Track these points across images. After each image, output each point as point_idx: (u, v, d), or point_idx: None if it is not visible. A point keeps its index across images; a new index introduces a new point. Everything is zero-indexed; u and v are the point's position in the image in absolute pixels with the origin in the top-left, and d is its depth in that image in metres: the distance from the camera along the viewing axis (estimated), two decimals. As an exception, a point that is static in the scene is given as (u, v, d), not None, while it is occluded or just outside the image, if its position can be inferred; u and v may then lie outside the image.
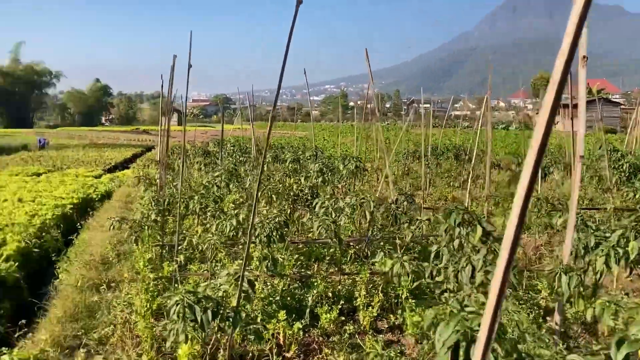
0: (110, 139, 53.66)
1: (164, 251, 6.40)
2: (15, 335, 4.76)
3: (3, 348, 4.05)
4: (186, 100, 5.55)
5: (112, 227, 6.36)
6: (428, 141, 15.38)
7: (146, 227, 6.44)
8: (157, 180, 10.00)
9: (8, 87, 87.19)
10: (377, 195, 7.25)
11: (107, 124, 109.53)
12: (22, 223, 11.11)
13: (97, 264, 6.48)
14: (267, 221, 4.88)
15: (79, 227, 11.56)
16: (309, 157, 8.76)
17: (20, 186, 16.43)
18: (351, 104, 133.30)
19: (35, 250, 9.99)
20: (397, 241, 5.92)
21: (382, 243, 6.45)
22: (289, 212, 6.58)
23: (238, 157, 12.06)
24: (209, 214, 5.62)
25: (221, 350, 4.41)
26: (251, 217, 3.22)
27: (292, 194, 6.59)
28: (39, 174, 21.30)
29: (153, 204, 7.80)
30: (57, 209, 13.06)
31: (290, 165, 8.56)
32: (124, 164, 29.30)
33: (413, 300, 5.73)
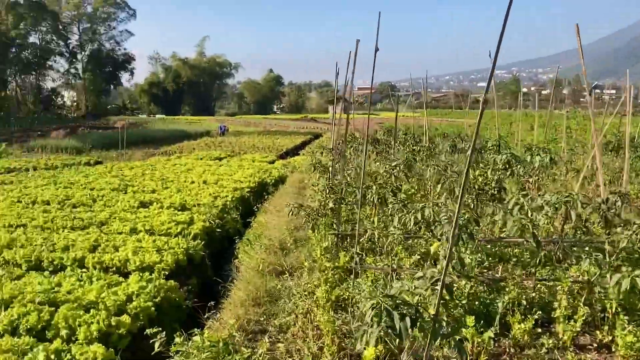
0: (281, 126, 56.71)
1: (339, 240, 6.25)
2: (205, 316, 4.90)
3: (195, 329, 4.15)
4: (372, 85, 5.27)
5: (290, 213, 6.38)
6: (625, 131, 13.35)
7: (323, 216, 6.35)
8: (330, 168, 9.99)
9: (194, 79, 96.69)
10: (575, 191, 6.32)
11: (278, 112, 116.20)
12: (207, 204, 11.97)
13: (276, 249, 6.57)
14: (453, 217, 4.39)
15: (256, 209, 12.12)
16: (490, 147, 8.01)
17: (205, 169, 17.89)
18: (524, 90, 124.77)
19: (218, 230, 10.67)
20: (607, 247, 5.04)
21: (587, 248, 5.58)
22: (471, 206, 6.01)
23: (411, 145, 11.60)
24: (390, 205, 5.29)
25: (404, 354, 4.07)
26: (456, 211, 2.77)
27: (476, 187, 5.99)
28: (220, 159, 23.11)
29: (328, 191, 7.72)
30: (236, 191, 13.90)
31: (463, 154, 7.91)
32: (295, 151, 30.59)
33: (625, 317, 4.84)
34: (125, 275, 7.61)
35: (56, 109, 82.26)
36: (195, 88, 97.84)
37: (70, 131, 48.50)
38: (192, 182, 15.17)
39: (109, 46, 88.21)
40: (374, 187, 5.87)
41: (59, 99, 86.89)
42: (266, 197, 13.41)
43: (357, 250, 5.35)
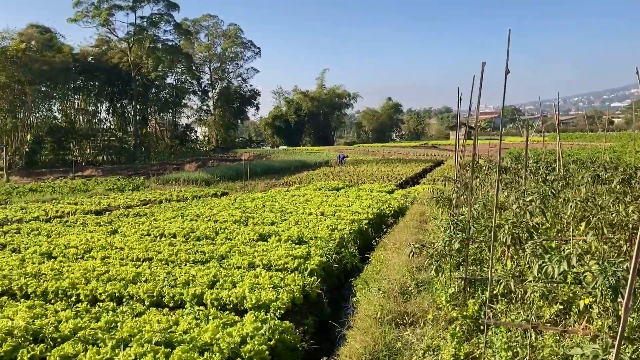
0: (400, 154, 55.97)
1: (467, 284, 5.55)
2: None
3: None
4: (502, 111, 4.63)
5: (412, 254, 5.81)
6: None
7: (448, 257, 5.70)
8: (454, 201, 9.25)
9: (314, 110, 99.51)
10: None
11: (397, 139, 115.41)
12: (324, 237, 11.71)
13: (395, 293, 6.02)
14: (613, 266, 3.56)
15: (374, 244, 11.63)
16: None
17: (323, 200, 17.82)
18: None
19: (335, 265, 10.32)
20: None
21: None
22: (623, 249, 5.01)
23: (544, 174, 10.44)
24: (528, 250, 4.51)
25: None
26: (630, 276, 2.08)
27: (630, 226, 5.00)
28: (338, 189, 23.05)
29: (453, 227, 7.03)
30: (353, 224, 13.55)
31: (619, 186, 6.74)
32: (415, 179, 29.76)
33: None
34: (242, 312, 7.48)
35: (190, 144, 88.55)
36: (315, 119, 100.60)
37: (201, 164, 51.88)
38: (310, 214, 15.09)
39: (237, 83, 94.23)
40: (507, 226, 5.12)
41: (193, 134, 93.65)
42: (385, 229, 12.89)
43: (488, 300, 4.63)
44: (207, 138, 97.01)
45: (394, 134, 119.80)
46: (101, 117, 77.20)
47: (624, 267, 3.39)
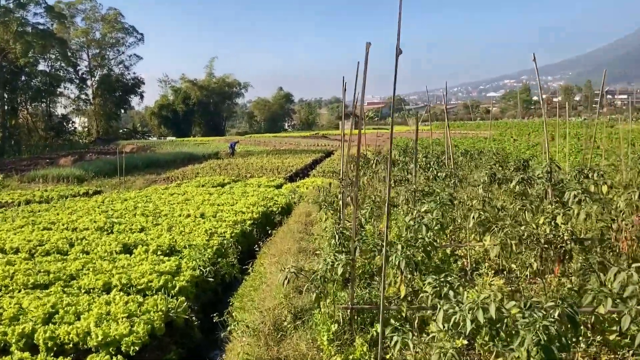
0: (291, 144, 55.23)
1: (353, 314, 4.59)
2: None
3: None
4: (394, 99, 3.72)
5: (286, 282, 4.72)
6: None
7: (331, 282, 4.69)
8: (340, 202, 8.33)
9: (204, 99, 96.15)
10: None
11: (289, 129, 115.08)
12: (200, 245, 10.36)
13: (268, 331, 4.90)
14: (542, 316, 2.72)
15: (257, 249, 10.49)
16: (541, 175, 6.29)
17: (205, 199, 16.32)
18: (535, 98, 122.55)
19: (210, 279, 9.03)
20: None
21: None
22: (534, 268, 4.31)
23: (435, 171, 9.83)
24: (429, 288, 3.58)
25: None
26: None
27: (542, 240, 4.30)
28: (223, 185, 21.56)
29: (337, 238, 6.06)
30: (236, 226, 12.31)
31: (518, 187, 6.14)
32: (305, 171, 28.98)
33: None
34: (85, 353, 6.02)
35: (67, 135, 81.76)
36: (205, 109, 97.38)
37: (78, 158, 47.61)
38: (188, 216, 13.60)
39: (118, 71, 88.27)
40: (399, 245, 4.22)
41: (70, 124, 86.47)
42: (270, 231, 11.77)
43: (381, 338, 3.66)
44: (86, 129, 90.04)
45: (286, 124, 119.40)
46: (-38, 107, 68.70)
47: (556, 315, 2.53)
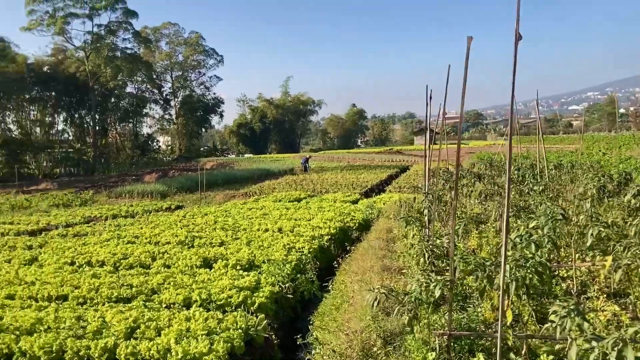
0: (365, 160, 54.82)
1: (451, 342, 4.11)
2: None
3: None
4: (513, 90, 3.37)
5: (376, 303, 4.32)
6: None
7: (425, 305, 4.23)
8: (425, 217, 7.83)
9: (279, 117, 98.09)
10: None
11: (362, 145, 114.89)
12: (278, 260, 10.15)
13: (358, 356, 4.51)
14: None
15: (336, 265, 10.14)
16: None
17: (282, 213, 16.24)
18: (622, 110, 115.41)
19: (289, 295, 8.77)
20: None
21: None
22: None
23: (530, 184, 9.10)
24: (555, 316, 3.07)
25: None
26: None
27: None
28: (299, 200, 21.49)
29: (428, 256, 5.60)
30: (313, 241, 12.04)
31: (633, 201, 5.41)
32: (380, 186, 28.46)
33: None
34: (165, 370, 5.87)
35: (152, 153, 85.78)
36: (280, 126, 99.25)
37: (162, 174, 49.68)
38: (266, 231, 13.50)
39: (200, 92, 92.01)
40: (509, 267, 3.72)
41: (155, 143, 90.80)
42: (348, 247, 11.39)
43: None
44: (170, 147, 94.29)
45: (359, 140, 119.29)
46: (59, 128, 73.95)
47: None
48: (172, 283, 8.70)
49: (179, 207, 23.85)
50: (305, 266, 10.30)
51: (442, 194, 10.13)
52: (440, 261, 5.77)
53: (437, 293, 3.99)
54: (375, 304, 4.35)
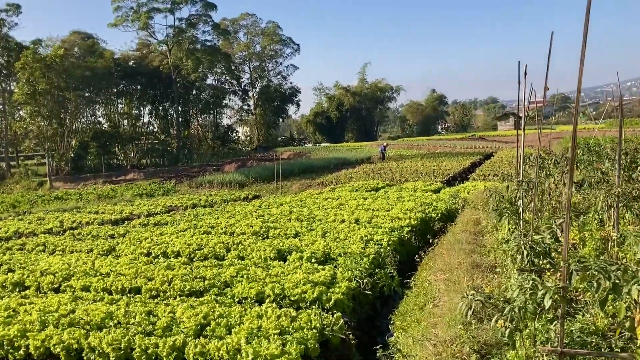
0: (446, 147, 52.98)
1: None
2: None
3: None
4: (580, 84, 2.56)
5: (470, 312, 3.64)
6: None
7: (531, 315, 3.50)
8: (519, 208, 6.95)
9: (356, 105, 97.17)
10: None
11: (442, 132, 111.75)
12: (355, 253, 9.59)
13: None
14: None
15: (418, 260, 9.45)
16: None
17: (359, 204, 15.65)
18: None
19: (367, 292, 8.19)
20: None
21: None
22: None
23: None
24: None
25: None
26: None
27: None
28: (377, 189, 20.81)
29: (527, 254, 4.84)
30: (393, 233, 11.37)
31: None
32: (464, 174, 27.14)
33: None
34: (235, 373, 5.50)
35: (232, 144, 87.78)
36: (357, 114, 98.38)
37: (241, 164, 50.61)
38: (342, 222, 12.98)
39: (277, 81, 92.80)
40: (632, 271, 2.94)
41: (234, 134, 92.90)
42: (431, 240, 10.63)
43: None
44: (248, 138, 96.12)
45: (439, 127, 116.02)
46: (144, 120, 77.44)
47: None
48: (245, 276, 8.38)
49: (256, 197, 23.91)
50: (384, 260, 9.68)
51: (538, 181, 9.11)
52: (540, 259, 4.97)
53: (548, 303, 3.26)
54: (470, 312, 3.68)
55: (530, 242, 5.00)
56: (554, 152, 18.25)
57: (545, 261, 5.07)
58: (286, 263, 9.25)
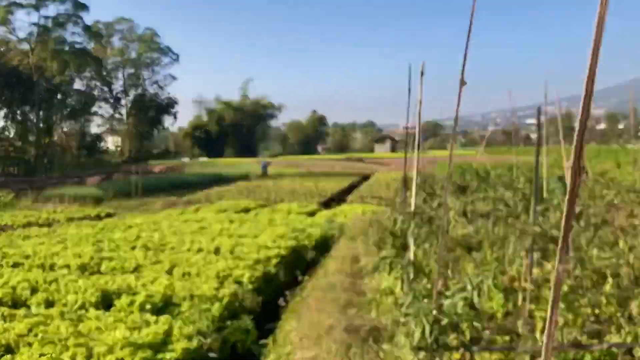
0: (325, 167, 52.54)
1: None
2: None
3: None
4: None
5: None
6: None
7: None
8: (408, 247, 5.40)
9: (238, 121, 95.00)
10: None
11: (323, 152, 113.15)
12: (206, 296, 7.53)
13: None
14: None
15: (283, 305, 7.61)
16: None
17: (224, 228, 13.54)
18: (575, 124, 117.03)
19: (212, 354, 6.15)
20: None
21: None
22: None
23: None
24: None
25: None
26: None
27: None
28: (247, 210, 18.80)
29: (429, 337, 3.20)
30: (257, 265, 9.45)
31: None
32: (341, 196, 26.09)
33: None
34: None
35: (100, 155, 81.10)
36: (238, 130, 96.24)
37: (106, 176, 46.28)
38: (199, 251, 10.81)
39: (153, 91, 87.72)
40: None
41: (103, 144, 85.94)
42: (300, 277, 8.86)
43: None
44: (119, 148, 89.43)
45: (320, 147, 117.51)
46: (-2, 125, 68.46)
47: None
48: (39, 335, 5.95)
49: (109, 215, 20.80)
50: (242, 303, 7.73)
51: (421, 210, 7.78)
52: (446, 335, 3.38)
53: None
54: None
55: (434, 310, 3.37)
56: (434, 176, 17.59)
57: (453, 337, 3.49)
58: (108, 312, 6.92)
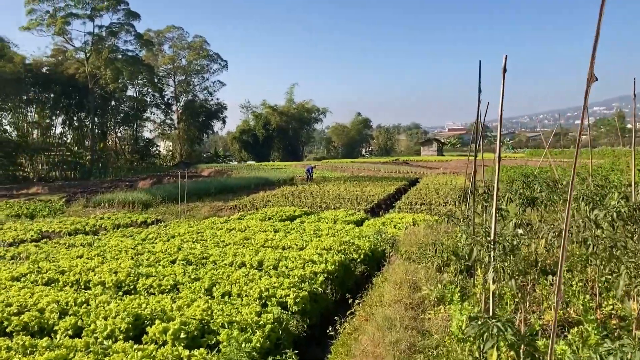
0: (370, 170, 51.40)
1: None
2: None
3: None
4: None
5: None
6: None
7: None
8: (489, 277, 4.47)
9: (283, 125, 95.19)
10: None
11: (367, 155, 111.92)
12: (246, 321, 6.78)
13: None
14: None
15: (334, 331, 6.77)
16: None
17: (268, 238, 12.84)
18: (629, 126, 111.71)
19: (251, 398, 5.39)
20: None
21: None
22: None
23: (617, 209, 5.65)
24: None
25: None
26: None
27: None
28: (292, 218, 18.04)
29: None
30: (303, 284, 8.66)
31: None
32: (388, 202, 25.02)
33: None
34: None
35: (152, 159, 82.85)
36: (284, 134, 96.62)
37: (157, 180, 46.72)
38: (241, 265, 10.12)
39: (202, 97, 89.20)
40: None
41: (155, 148, 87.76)
42: (351, 298, 8.00)
43: None
44: (170, 153, 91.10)
45: (364, 150, 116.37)
46: (57, 131, 70.90)
47: None
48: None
49: (157, 221, 20.53)
50: (286, 330, 6.95)
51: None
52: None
53: None
54: None
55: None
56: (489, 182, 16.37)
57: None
58: (139, 344, 6.26)
